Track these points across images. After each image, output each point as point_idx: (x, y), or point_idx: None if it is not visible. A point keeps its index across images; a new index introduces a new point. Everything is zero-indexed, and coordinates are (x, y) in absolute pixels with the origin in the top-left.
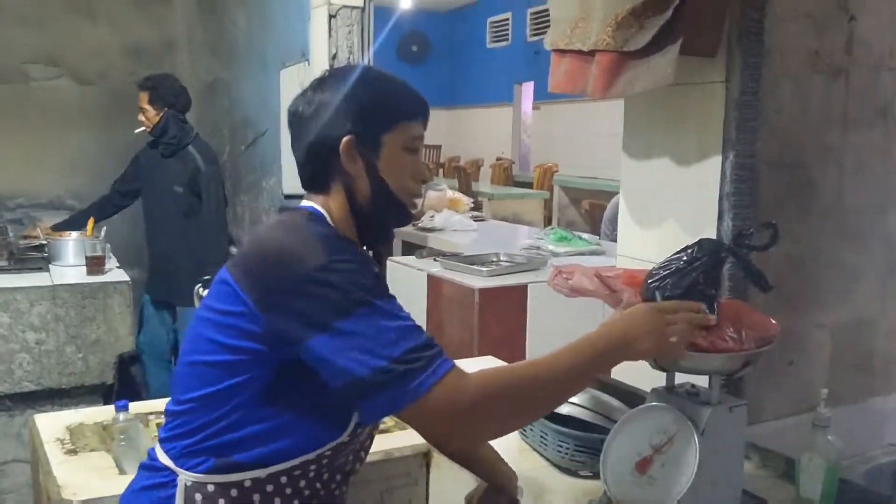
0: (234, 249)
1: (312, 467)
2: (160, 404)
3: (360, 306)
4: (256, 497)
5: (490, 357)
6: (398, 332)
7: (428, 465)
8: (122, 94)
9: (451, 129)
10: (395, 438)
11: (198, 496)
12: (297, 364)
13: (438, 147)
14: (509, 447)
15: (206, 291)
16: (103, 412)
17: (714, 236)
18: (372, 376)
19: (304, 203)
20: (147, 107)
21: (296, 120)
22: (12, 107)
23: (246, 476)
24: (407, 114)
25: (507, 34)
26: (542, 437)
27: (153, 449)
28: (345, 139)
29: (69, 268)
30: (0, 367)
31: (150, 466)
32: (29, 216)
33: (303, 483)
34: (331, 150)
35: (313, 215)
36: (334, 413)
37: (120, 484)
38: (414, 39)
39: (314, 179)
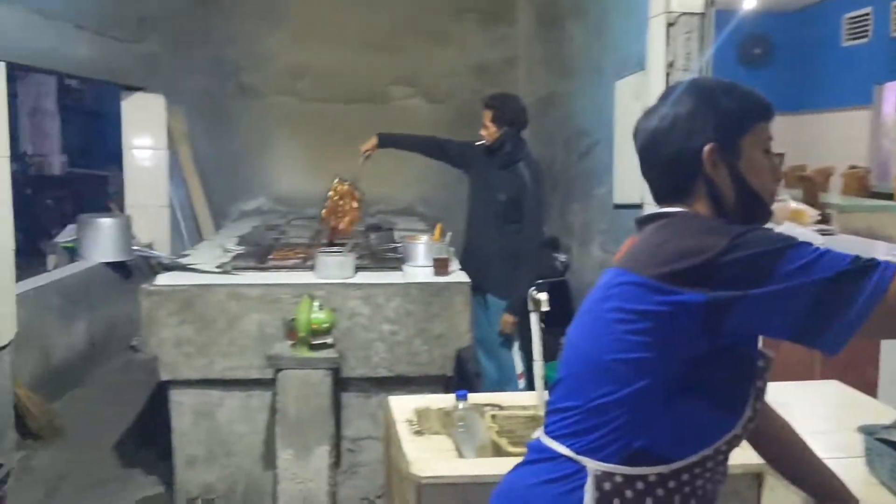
0: (560, 257)
1: (709, 464)
2: (494, 397)
3: (787, 249)
4: (660, 491)
5: (835, 381)
6: (831, 253)
7: (760, 486)
8: (465, 111)
9: (795, 137)
10: None
11: (606, 485)
12: (709, 355)
13: (781, 155)
14: (853, 480)
15: (540, 295)
16: (445, 399)
17: None
18: (833, 283)
19: (670, 210)
20: (489, 124)
21: (648, 136)
22: (377, 124)
23: (652, 471)
24: (761, 115)
25: (867, 30)
26: (892, 470)
27: (538, 442)
28: (707, 147)
29: (419, 268)
30: (360, 354)
31: (544, 459)
32: (386, 220)
33: (699, 482)
34: (692, 160)
35: (697, 213)
36: (734, 402)
37: (459, 467)
38: (756, 42)
39: (673, 190)
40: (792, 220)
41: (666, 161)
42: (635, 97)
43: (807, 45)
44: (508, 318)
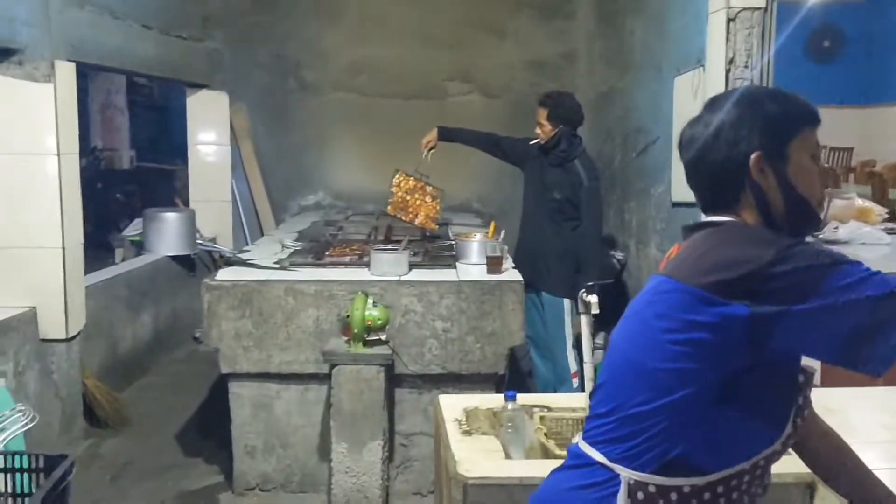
0: (617, 255)
1: (746, 478)
2: (542, 398)
3: (835, 265)
4: (694, 502)
5: None
6: (880, 274)
7: (812, 496)
8: (521, 106)
9: (865, 130)
10: (777, 465)
11: (640, 494)
12: (752, 367)
13: (850, 150)
14: None
15: (590, 298)
16: (494, 399)
17: None
18: (881, 302)
19: (717, 218)
20: (544, 122)
21: (694, 144)
22: (433, 120)
23: (686, 482)
24: (808, 120)
25: None
26: None
27: (576, 447)
28: (754, 155)
29: (472, 266)
30: (413, 350)
31: (580, 465)
32: (441, 217)
33: (735, 495)
34: (739, 167)
35: (745, 223)
36: (775, 417)
37: (505, 468)
38: (826, 34)
39: (721, 199)
40: (858, 218)
41: (712, 170)
42: (694, 94)
43: (881, 36)
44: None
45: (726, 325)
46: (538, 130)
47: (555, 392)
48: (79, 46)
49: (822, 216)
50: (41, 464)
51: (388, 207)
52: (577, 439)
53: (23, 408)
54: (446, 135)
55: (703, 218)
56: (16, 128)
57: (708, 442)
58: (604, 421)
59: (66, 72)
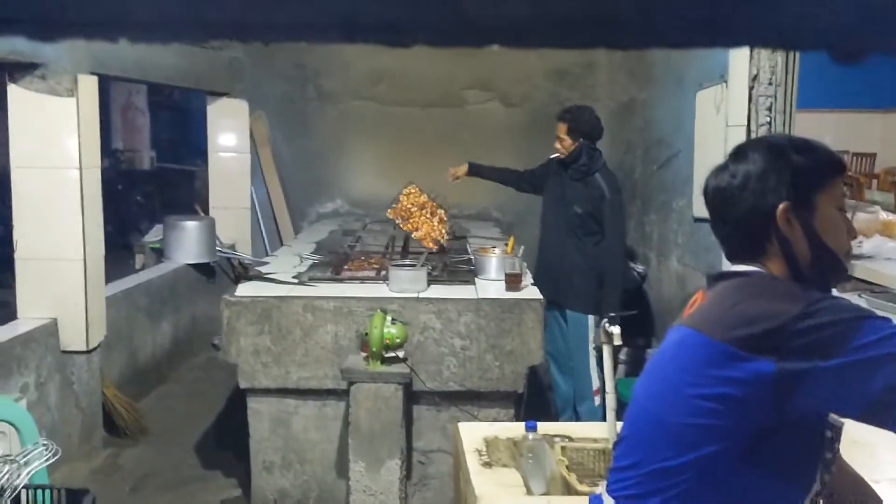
0: (638, 267)
1: None
2: (564, 427)
3: (863, 321)
4: None
5: None
6: None
7: None
8: (542, 115)
9: (889, 135)
10: None
11: None
12: (779, 425)
13: (872, 156)
14: None
15: (613, 329)
16: (514, 428)
17: None
18: None
19: (744, 268)
20: (564, 137)
21: (720, 194)
22: (450, 129)
23: None
24: (835, 171)
25: None
26: None
27: (599, 499)
28: (781, 206)
29: (491, 282)
30: (432, 367)
31: None
32: (460, 226)
33: None
34: (765, 218)
35: (771, 274)
36: (802, 476)
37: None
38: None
39: (747, 249)
40: (883, 232)
41: (738, 220)
42: (717, 110)
43: None
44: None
45: (752, 381)
46: (557, 145)
47: (574, 408)
48: (101, 59)
49: (848, 267)
50: (64, 499)
51: (389, 211)
52: (601, 490)
53: (45, 442)
54: (475, 170)
55: (729, 267)
56: (38, 142)
57: (734, 501)
58: (627, 475)
59: (89, 85)
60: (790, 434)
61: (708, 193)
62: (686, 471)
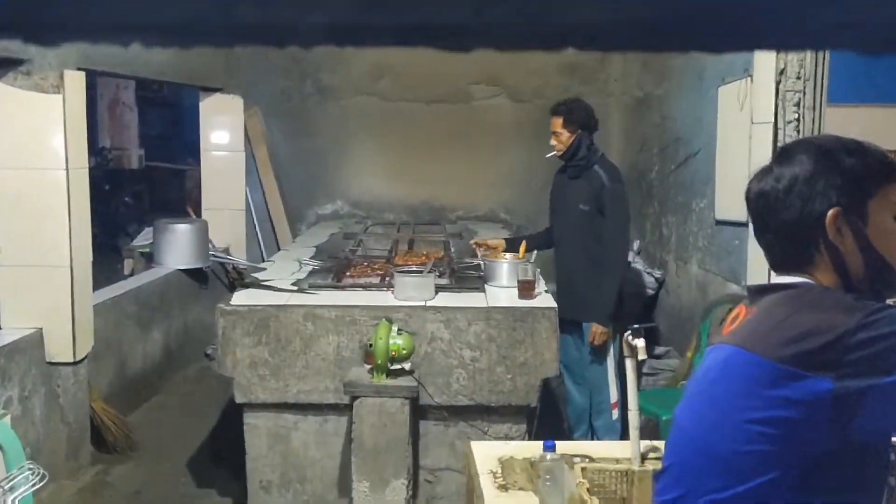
0: (655, 272)
1: None
2: (584, 447)
3: None
4: None
5: None
6: None
7: None
8: None
9: None
10: None
11: None
12: (838, 448)
13: None
14: None
15: (637, 342)
16: (531, 447)
17: None
18: None
19: (791, 280)
20: (561, 130)
21: (763, 198)
22: (456, 125)
23: None
24: (888, 176)
25: None
26: None
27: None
28: (830, 213)
29: (502, 289)
30: (440, 380)
31: None
32: (467, 229)
33: None
34: (814, 225)
35: (821, 285)
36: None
37: None
38: None
39: (793, 258)
40: None
41: (784, 226)
42: (741, 106)
43: None
44: (598, 329)
45: (808, 400)
46: (554, 141)
47: (590, 422)
48: (88, 54)
49: None
50: None
51: (396, 258)
52: None
53: (31, 465)
54: (510, 246)
55: (774, 279)
56: (23, 141)
57: None
58: None
59: (76, 82)
60: (851, 457)
61: (750, 198)
62: (738, 503)
